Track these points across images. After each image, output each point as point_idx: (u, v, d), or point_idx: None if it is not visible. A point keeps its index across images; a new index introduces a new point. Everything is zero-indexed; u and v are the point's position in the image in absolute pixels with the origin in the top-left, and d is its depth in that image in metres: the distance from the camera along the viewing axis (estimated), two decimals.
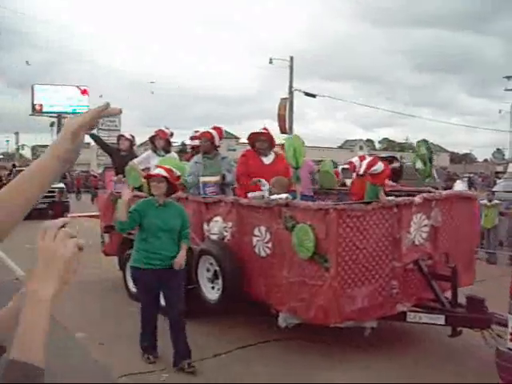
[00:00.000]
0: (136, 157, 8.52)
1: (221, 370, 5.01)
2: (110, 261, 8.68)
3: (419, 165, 6.88)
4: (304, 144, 6.18)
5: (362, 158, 6.89)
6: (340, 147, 62.18)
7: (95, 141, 8.99)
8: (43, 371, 1.03)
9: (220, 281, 5.73)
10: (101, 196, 8.93)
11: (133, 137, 8.58)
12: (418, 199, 5.35)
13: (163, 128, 7.99)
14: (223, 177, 6.52)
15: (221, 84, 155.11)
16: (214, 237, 6.06)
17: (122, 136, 8.57)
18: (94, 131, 41.62)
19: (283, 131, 33.17)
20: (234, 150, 51.96)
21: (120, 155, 8.48)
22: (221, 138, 6.84)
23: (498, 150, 38.61)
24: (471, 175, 38.51)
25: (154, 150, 7.84)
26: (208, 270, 5.93)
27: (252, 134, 6.38)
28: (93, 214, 11.43)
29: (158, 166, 5.33)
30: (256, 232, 5.54)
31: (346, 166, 7.72)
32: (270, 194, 5.58)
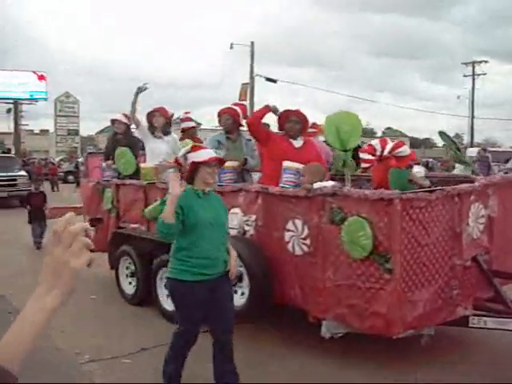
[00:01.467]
0: (135, 140, 7.45)
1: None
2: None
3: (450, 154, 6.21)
4: (358, 120, 5.20)
5: (383, 142, 6.12)
6: None
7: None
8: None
9: (246, 284, 4.83)
10: (84, 185, 7.82)
11: (127, 116, 7.46)
12: (477, 185, 4.56)
13: (166, 107, 6.91)
14: (245, 161, 5.56)
15: (180, 69, 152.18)
16: (232, 232, 5.12)
17: (116, 120, 7.43)
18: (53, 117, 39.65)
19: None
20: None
21: (116, 139, 7.39)
22: (245, 116, 5.90)
23: (456, 135, 38.89)
24: (430, 160, 38.55)
25: (152, 131, 6.77)
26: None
27: (284, 111, 5.43)
28: (75, 205, 10.26)
29: (194, 147, 3.97)
30: (289, 226, 4.65)
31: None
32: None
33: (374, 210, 4.01)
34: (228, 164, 5.28)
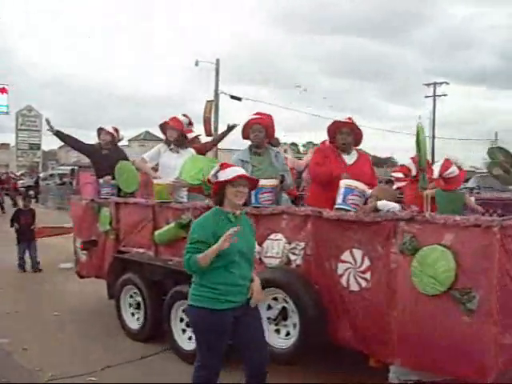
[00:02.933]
0: (122, 155, 6.62)
1: None
2: None
3: (497, 171, 5.62)
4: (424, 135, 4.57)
5: (415, 160, 5.55)
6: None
7: (62, 139, 6.88)
8: None
9: (292, 322, 4.08)
10: (75, 203, 6.89)
11: (116, 130, 6.64)
12: None
13: (179, 116, 6.09)
14: (282, 179, 4.81)
15: (144, 85, 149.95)
16: (271, 261, 4.38)
17: (102, 130, 6.59)
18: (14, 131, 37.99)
19: (208, 134, 31.95)
20: None
21: (102, 154, 6.54)
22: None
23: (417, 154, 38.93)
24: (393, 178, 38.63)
25: (167, 143, 5.97)
26: (269, 308, 4.24)
27: (334, 122, 4.72)
28: (64, 225, 9.27)
29: (223, 165, 3.51)
30: (345, 257, 3.93)
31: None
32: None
33: (462, 239, 3.34)
34: (265, 182, 4.53)
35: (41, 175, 36.13)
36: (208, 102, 35.22)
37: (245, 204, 3.56)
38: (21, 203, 11.30)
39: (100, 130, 6.58)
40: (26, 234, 9.36)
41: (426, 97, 41.06)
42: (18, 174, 32.77)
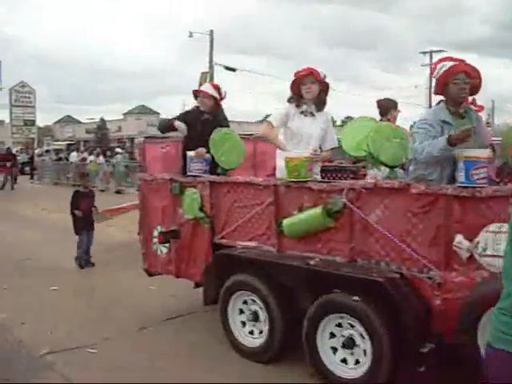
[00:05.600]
0: (224, 120, 5.10)
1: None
2: None
3: None
4: None
5: None
6: (261, 121, 58.74)
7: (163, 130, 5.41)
8: None
9: None
10: (146, 183, 5.30)
11: (218, 89, 5.04)
12: None
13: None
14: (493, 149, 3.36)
15: (137, 58, 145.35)
16: (495, 262, 2.94)
17: (201, 92, 5.03)
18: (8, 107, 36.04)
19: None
20: (155, 125, 47.75)
21: (200, 120, 4.98)
22: None
23: (414, 123, 37.65)
24: None
25: (297, 104, 4.38)
26: None
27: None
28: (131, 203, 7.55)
29: None
30: None
31: None
32: None
33: None
34: (479, 153, 3.10)
35: (36, 151, 34.22)
36: (203, 73, 33.57)
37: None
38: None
39: (197, 93, 5.02)
40: (87, 223, 7.56)
41: (422, 65, 39.54)
42: (15, 150, 30.74)
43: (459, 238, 3.11)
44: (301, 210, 3.86)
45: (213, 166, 4.76)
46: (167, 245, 5.05)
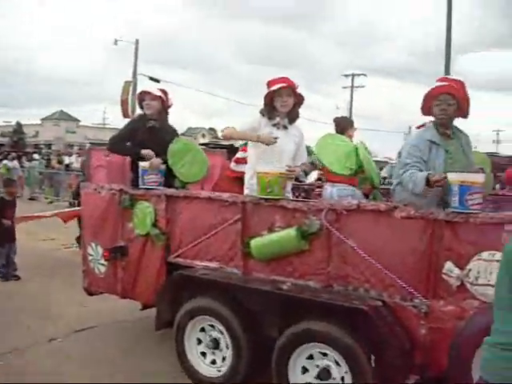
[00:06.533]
0: (172, 130, 4.70)
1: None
2: None
3: None
4: None
5: None
6: (183, 134, 57.46)
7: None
8: None
9: None
10: (89, 194, 4.78)
11: (165, 93, 4.61)
12: None
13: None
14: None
15: (60, 63, 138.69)
16: (488, 291, 2.77)
17: (146, 93, 4.54)
18: None
19: (126, 116, 29.78)
20: (74, 132, 45.82)
21: (146, 128, 4.50)
22: None
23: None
24: None
25: (269, 116, 3.94)
26: None
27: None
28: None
29: None
30: None
31: None
32: None
33: None
34: (474, 178, 2.93)
35: None
36: (126, 82, 32.69)
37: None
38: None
39: (143, 95, 4.52)
40: (9, 234, 6.82)
41: (344, 88, 40.78)
42: None
43: (449, 265, 2.94)
44: (271, 229, 3.55)
45: (167, 178, 4.35)
46: (106, 263, 4.57)
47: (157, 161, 4.20)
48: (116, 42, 33.68)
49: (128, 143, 4.49)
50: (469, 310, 2.87)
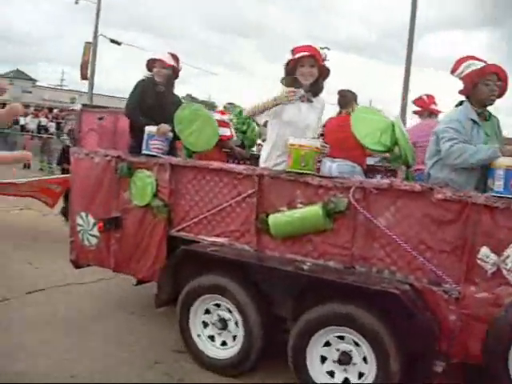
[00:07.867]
0: (177, 98, 4.38)
1: None
2: None
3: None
4: None
5: None
6: None
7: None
8: None
9: None
10: (80, 160, 4.39)
11: (177, 59, 4.28)
12: None
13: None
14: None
15: (17, 21, 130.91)
16: None
17: (158, 60, 4.21)
18: None
19: (84, 78, 28.84)
20: (30, 92, 43.73)
21: (154, 91, 4.17)
22: None
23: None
24: None
25: (296, 86, 3.68)
26: None
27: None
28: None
29: None
30: None
31: None
32: None
33: None
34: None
35: None
36: (87, 43, 31.38)
37: None
38: None
39: (153, 62, 4.19)
40: None
41: None
42: None
43: (485, 250, 2.82)
44: (291, 206, 3.34)
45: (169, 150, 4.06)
46: (98, 234, 4.26)
47: (165, 126, 3.88)
48: (77, 1, 32.19)
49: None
50: (504, 297, 2.77)
